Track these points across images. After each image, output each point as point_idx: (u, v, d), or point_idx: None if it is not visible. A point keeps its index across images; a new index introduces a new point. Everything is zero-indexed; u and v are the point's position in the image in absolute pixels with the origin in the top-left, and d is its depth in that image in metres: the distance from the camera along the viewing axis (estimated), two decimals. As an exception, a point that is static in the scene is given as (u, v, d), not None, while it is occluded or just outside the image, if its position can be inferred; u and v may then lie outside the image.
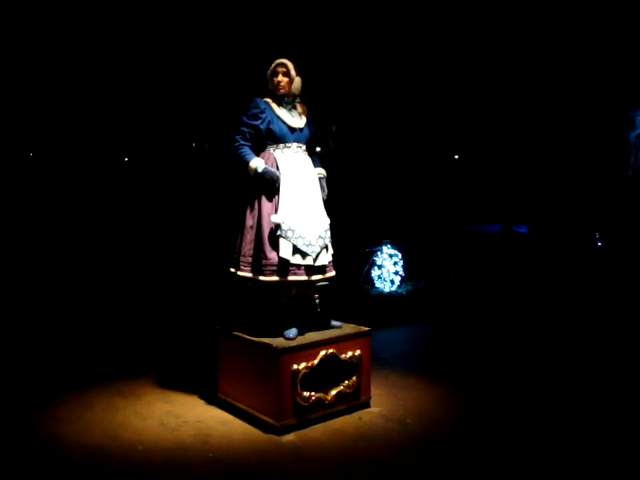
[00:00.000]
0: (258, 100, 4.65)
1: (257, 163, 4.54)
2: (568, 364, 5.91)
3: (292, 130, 4.65)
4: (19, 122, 9.83)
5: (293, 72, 4.67)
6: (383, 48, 9.27)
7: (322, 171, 4.93)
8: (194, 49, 8.88)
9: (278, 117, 4.62)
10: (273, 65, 4.65)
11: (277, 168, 4.55)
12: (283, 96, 4.69)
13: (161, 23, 8.54)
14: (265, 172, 4.51)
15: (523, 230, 11.06)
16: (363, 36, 8.91)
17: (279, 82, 4.65)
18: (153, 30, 8.64)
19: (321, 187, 4.84)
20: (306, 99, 4.85)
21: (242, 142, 4.62)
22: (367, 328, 4.80)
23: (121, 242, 9.77)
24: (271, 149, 4.65)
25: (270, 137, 4.63)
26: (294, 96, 4.73)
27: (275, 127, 4.59)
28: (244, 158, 4.58)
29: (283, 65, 4.65)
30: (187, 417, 4.58)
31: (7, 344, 6.41)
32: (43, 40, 8.65)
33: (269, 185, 4.53)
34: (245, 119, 4.62)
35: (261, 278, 4.48)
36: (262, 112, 4.59)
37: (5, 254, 8.69)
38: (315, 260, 4.52)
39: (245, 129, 4.62)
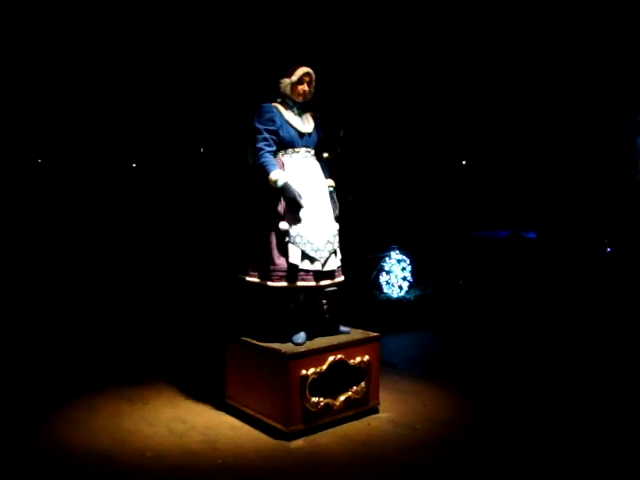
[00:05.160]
0: (268, 106, 4.61)
1: (277, 176, 4.43)
2: (577, 369, 5.88)
3: (301, 135, 4.64)
4: (28, 129, 9.87)
5: (314, 82, 4.69)
6: (391, 53, 9.27)
7: (331, 182, 4.90)
8: (201, 55, 8.91)
9: (287, 122, 4.60)
10: (300, 73, 4.59)
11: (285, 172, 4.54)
12: (296, 102, 4.68)
13: (169, 30, 8.57)
14: (286, 189, 4.42)
15: (531, 235, 11.04)
16: (371, 41, 8.92)
17: (304, 91, 4.65)
18: (161, 37, 8.67)
19: (332, 201, 4.80)
20: (314, 104, 4.85)
21: (268, 149, 4.52)
22: (376, 334, 4.78)
23: (130, 248, 9.79)
24: (280, 154, 4.63)
25: (279, 142, 4.61)
26: (305, 102, 4.74)
27: (284, 132, 4.57)
28: (265, 167, 4.46)
29: (309, 75, 4.64)
30: (195, 423, 4.57)
31: (17, 347, 6.42)
32: (52, 47, 8.68)
33: (287, 201, 4.46)
34: (262, 126, 4.53)
35: (269, 284, 4.47)
36: (275, 116, 4.57)
37: (17, 259, 8.72)
38: (324, 265, 4.51)
39: (267, 135, 4.53)
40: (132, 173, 11.43)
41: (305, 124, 4.71)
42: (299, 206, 4.43)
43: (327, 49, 8.11)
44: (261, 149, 4.51)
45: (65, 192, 10.52)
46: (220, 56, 8.79)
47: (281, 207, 4.50)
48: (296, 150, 4.63)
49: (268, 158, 4.50)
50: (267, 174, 4.45)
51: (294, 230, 4.43)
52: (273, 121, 4.55)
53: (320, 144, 4.87)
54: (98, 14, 8.20)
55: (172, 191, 10.34)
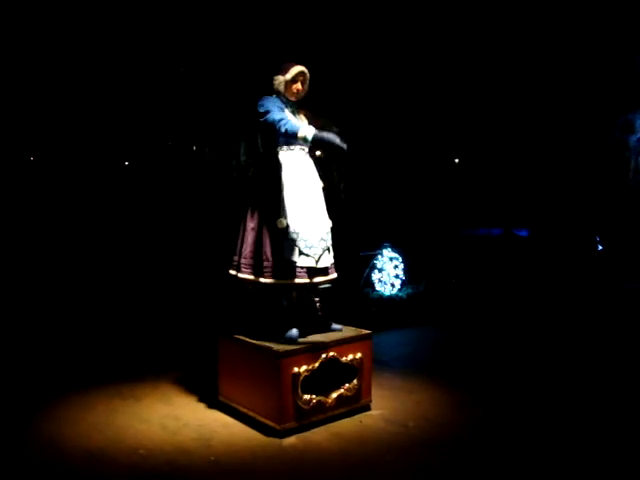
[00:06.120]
0: (272, 97, 4.60)
1: (305, 131, 4.33)
2: (569, 365, 5.91)
3: None
4: (20, 126, 9.84)
5: (308, 80, 4.69)
6: (384, 52, 9.28)
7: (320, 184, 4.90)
8: (194, 53, 8.90)
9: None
10: (294, 72, 4.59)
11: (280, 169, 4.54)
12: (289, 100, 4.68)
13: (162, 28, 8.55)
14: (319, 138, 4.31)
15: (523, 233, 11.08)
16: (364, 40, 8.92)
17: (298, 90, 4.65)
18: (154, 35, 8.65)
19: None
20: (306, 102, 4.85)
21: (286, 118, 4.42)
22: (368, 331, 4.80)
23: (122, 245, 9.78)
24: (276, 150, 4.62)
25: (279, 138, 4.57)
26: (298, 100, 4.74)
27: None
28: (292, 129, 4.34)
29: (303, 74, 4.65)
30: (188, 420, 4.57)
31: (8, 345, 6.41)
32: (45, 46, 8.66)
33: (328, 147, 4.38)
34: (274, 106, 4.47)
35: (262, 280, 4.48)
36: (282, 107, 4.55)
37: (7, 256, 8.70)
38: (317, 262, 4.52)
39: (281, 112, 4.48)
40: (125, 171, 11.41)
41: (300, 122, 4.70)
42: (341, 149, 4.30)
43: (321, 46, 8.12)
44: (282, 118, 4.41)
45: (58, 189, 10.50)
46: (213, 54, 8.78)
47: (276, 203, 4.50)
48: (291, 148, 4.62)
49: (291, 122, 4.40)
50: (295, 134, 4.34)
51: (290, 227, 4.44)
52: (282, 108, 4.54)
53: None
54: (91, 13, 8.18)
55: (165, 188, 10.33)
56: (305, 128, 4.36)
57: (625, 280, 8.64)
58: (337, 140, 4.28)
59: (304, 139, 4.34)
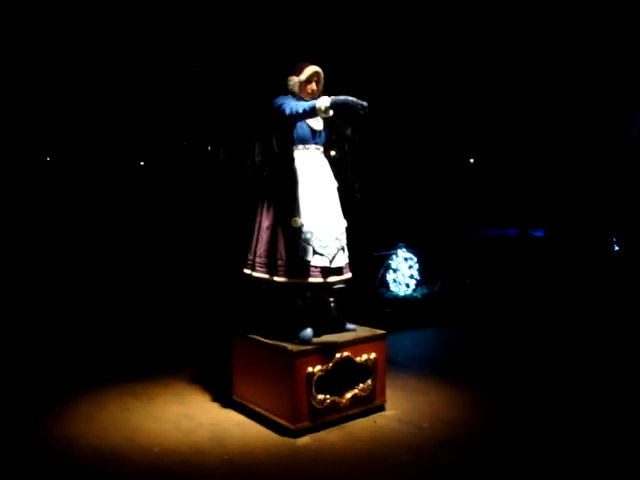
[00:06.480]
0: (287, 97, 4.61)
1: (321, 102, 4.24)
2: (585, 366, 5.87)
3: (313, 132, 4.63)
4: (36, 127, 9.91)
5: (322, 80, 4.69)
6: (398, 51, 9.26)
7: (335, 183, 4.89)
8: (209, 53, 8.92)
9: None
10: (308, 72, 4.60)
11: (295, 168, 4.54)
12: (304, 100, 4.67)
13: (177, 27, 8.58)
14: (336, 102, 4.20)
15: (539, 234, 11.01)
16: (377, 38, 8.90)
17: (312, 90, 4.65)
18: (169, 36, 8.68)
19: None
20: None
21: (301, 103, 4.43)
22: (382, 331, 4.78)
23: (137, 245, 9.81)
24: (291, 149, 4.62)
25: (294, 137, 4.59)
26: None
27: (299, 127, 4.56)
28: (309, 107, 4.29)
29: (317, 74, 4.65)
30: (202, 419, 4.58)
31: (20, 343, 6.43)
32: (60, 44, 8.71)
33: (347, 110, 4.26)
34: (287, 101, 4.48)
35: (276, 279, 4.48)
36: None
37: (25, 255, 8.75)
38: (331, 262, 4.51)
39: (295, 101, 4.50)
40: (140, 171, 11.45)
41: (315, 122, 4.69)
42: (362, 106, 4.19)
43: (334, 46, 8.10)
44: (297, 104, 4.40)
45: (73, 190, 10.55)
46: (227, 55, 8.79)
47: (291, 202, 4.50)
48: (307, 147, 4.63)
49: (303, 104, 4.37)
50: (313, 108, 4.26)
51: (305, 226, 4.44)
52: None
53: (329, 142, 4.86)
54: (106, 11, 8.23)
55: (180, 188, 10.36)
56: (320, 99, 4.27)
57: (635, 281, 8.58)
58: (356, 100, 4.19)
59: (323, 110, 4.23)
